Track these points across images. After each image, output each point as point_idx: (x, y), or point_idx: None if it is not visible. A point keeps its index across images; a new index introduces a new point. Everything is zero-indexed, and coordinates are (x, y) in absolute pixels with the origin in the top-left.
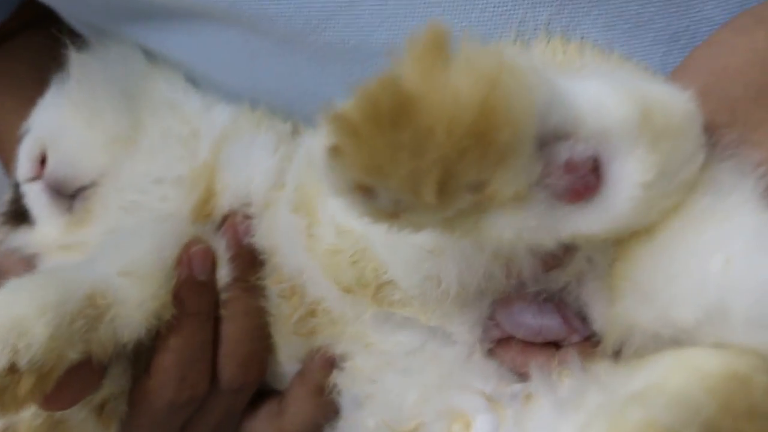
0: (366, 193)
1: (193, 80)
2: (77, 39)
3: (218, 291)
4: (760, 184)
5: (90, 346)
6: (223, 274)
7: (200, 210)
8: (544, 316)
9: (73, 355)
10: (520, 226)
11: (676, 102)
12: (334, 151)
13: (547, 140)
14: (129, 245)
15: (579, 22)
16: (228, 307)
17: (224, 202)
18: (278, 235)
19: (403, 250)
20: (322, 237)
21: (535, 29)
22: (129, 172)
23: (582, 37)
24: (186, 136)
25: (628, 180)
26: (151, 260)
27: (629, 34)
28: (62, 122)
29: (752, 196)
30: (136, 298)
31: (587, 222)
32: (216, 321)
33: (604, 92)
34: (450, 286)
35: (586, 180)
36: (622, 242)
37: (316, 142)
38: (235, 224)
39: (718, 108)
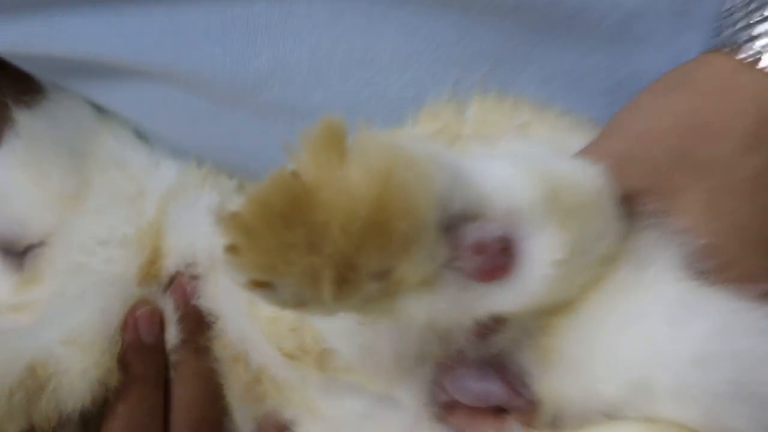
0: (266, 288)
1: (144, 135)
2: (24, 96)
3: (167, 354)
4: (681, 253)
5: (32, 418)
6: (172, 335)
7: (147, 271)
8: (487, 381)
9: (13, 428)
10: (433, 308)
11: (585, 178)
12: (230, 250)
13: (454, 223)
14: (72, 311)
15: (515, 78)
16: (178, 370)
17: (171, 263)
18: (221, 300)
19: (336, 322)
20: (261, 304)
21: (470, 88)
22: (76, 232)
23: (519, 94)
24: (132, 195)
25: (540, 259)
26: (95, 326)
27: (569, 88)
28: (10, 180)
29: (673, 265)
30: (78, 367)
31: (501, 301)
32: (166, 385)
33: (509, 172)
34: (386, 356)
35: (496, 260)
36: (548, 313)
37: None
38: (182, 285)
39: (641, 173)
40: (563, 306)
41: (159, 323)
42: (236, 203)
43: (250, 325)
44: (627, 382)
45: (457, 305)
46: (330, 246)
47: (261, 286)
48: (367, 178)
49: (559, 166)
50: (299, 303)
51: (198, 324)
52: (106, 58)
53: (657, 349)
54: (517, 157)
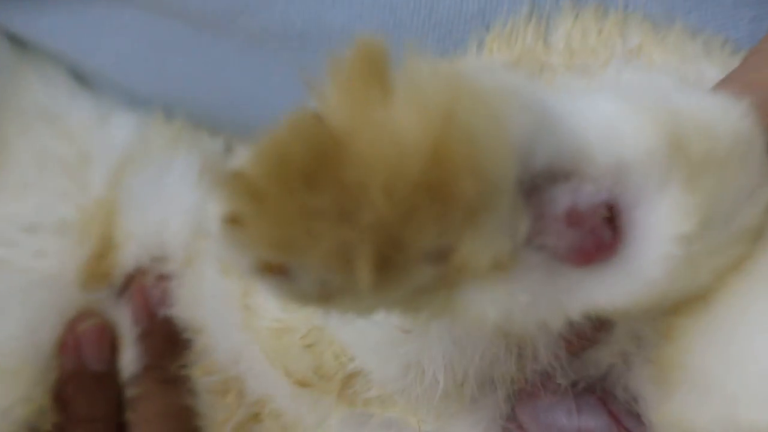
0: (280, 274)
1: (85, 78)
2: None
3: (121, 386)
4: None
5: None
6: (129, 360)
7: (93, 269)
8: (584, 415)
9: None
10: (509, 303)
11: (724, 120)
12: (233, 222)
13: (538, 184)
14: None
15: None
16: (137, 408)
17: (128, 257)
18: (205, 306)
19: (370, 331)
20: (262, 310)
21: (557, 1)
22: None
23: (627, 8)
24: (70, 162)
25: (659, 232)
26: (20, 348)
27: None
28: None
29: None
30: (1, 403)
31: (605, 292)
32: (120, 428)
33: (616, 113)
34: (440, 379)
35: (598, 235)
36: (670, 312)
37: (211, 207)
38: (144, 288)
39: None
40: (691, 302)
41: (110, 343)
42: (239, 159)
43: (246, 340)
44: None
45: (542, 299)
46: (369, 215)
47: (274, 270)
48: (420, 121)
49: (687, 103)
50: (325, 295)
51: (167, 343)
52: None
53: None
54: (627, 92)
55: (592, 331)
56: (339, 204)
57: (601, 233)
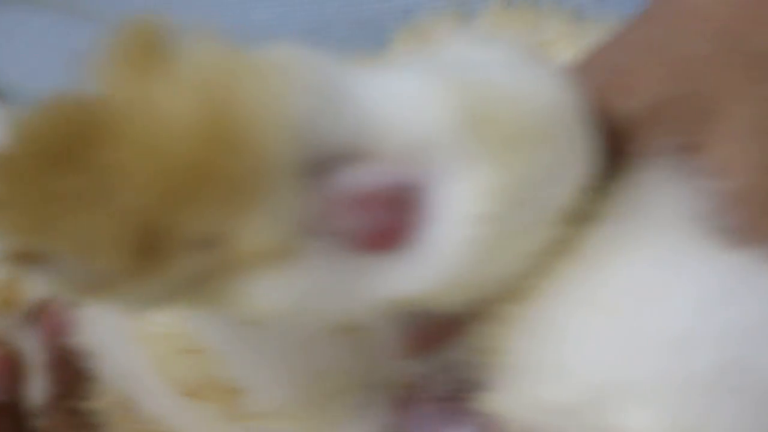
0: (39, 262)
1: None
2: None
3: (24, 419)
4: (698, 204)
5: None
6: (36, 391)
7: (2, 296)
8: (456, 424)
9: None
10: (296, 292)
11: (533, 96)
12: None
13: (327, 166)
14: None
15: None
16: None
17: (36, 282)
18: (97, 325)
19: (222, 330)
20: (150, 315)
21: None
22: None
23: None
24: None
25: (458, 213)
26: None
27: None
28: None
29: (677, 219)
30: None
31: (404, 278)
32: None
33: (417, 89)
34: (310, 381)
35: (391, 218)
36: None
37: None
38: (55, 315)
39: (670, 73)
40: (522, 288)
41: (14, 372)
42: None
43: (136, 352)
44: (581, 382)
45: (336, 287)
46: (125, 197)
47: (31, 259)
48: (190, 98)
49: (497, 78)
50: (95, 285)
51: (77, 374)
52: None
53: (624, 336)
54: (437, 68)
55: (445, 325)
56: (93, 187)
57: (394, 216)
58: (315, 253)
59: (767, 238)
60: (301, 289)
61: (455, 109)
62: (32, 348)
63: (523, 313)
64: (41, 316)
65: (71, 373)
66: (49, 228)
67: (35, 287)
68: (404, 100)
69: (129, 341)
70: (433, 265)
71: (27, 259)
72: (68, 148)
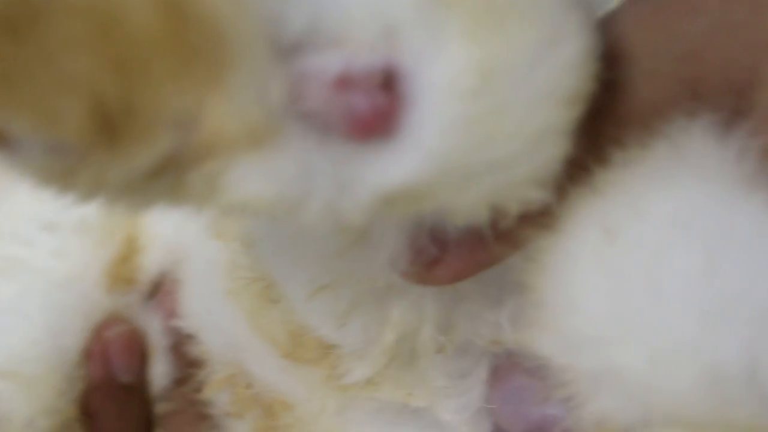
0: (3, 144)
1: None
2: None
3: (151, 400)
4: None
5: None
6: (160, 373)
7: (117, 272)
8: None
9: None
10: (276, 178)
11: None
12: None
13: (301, 46)
14: (7, 329)
15: None
16: (168, 425)
17: (152, 261)
18: (196, 299)
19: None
20: (240, 262)
21: None
22: (4, 213)
23: None
24: None
25: (439, 92)
26: (44, 354)
27: None
28: None
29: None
30: (21, 414)
31: (389, 167)
32: None
33: None
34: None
35: (372, 101)
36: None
37: None
38: (172, 296)
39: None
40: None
41: (140, 353)
42: None
43: (232, 311)
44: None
45: (316, 175)
46: (78, 67)
47: None
48: None
49: None
50: (63, 170)
51: (192, 360)
52: None
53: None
54: None
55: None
56: (47, 54)
57: (375, 99)
58: (294, 138)
59: None
60: (282, 175)
61: None
62: (155, 329)
63: (545, 244)
64: (159, 296)
65: (187, 359)
66: (6, 100)
67: (151, 261)
68: None
69: (224, 300)
70: (419, 150)
71: None
72: (15, 18)
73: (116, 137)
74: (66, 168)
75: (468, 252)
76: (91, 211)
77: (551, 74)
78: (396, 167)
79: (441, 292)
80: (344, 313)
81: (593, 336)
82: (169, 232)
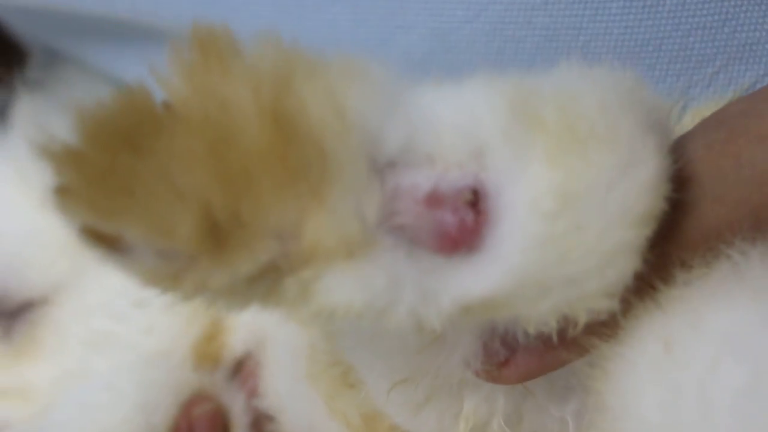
0: (115, 247)
1: None
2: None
3: None
4: None
5: None
6: None
7: (204, 350)
8: None
9: None
10: (366, 288)
11: (588, 94)
12: (60, 194)
13: (395, 165)
14: (101, 405)
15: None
16: None
17: (237, 340)
18: (277, 381)
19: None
20: (319, 347)
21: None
22: (98, 287)
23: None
24: None
25: (521, 212)
26: (134, 429)
27: None
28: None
29: None
30: None
31: (472, 279)
32: None
33: (475, 95)
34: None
35: (460, 218)
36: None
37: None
38: (256, 375)
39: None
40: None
41: (222, 429)
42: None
43: (309, 394)
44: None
45: (404, 286)
46: (194, 180)
47: (107, 242)
48: (253, 91)
49: (550, 81)
50: (171, 273)
51: None
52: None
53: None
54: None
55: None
56: (163, 168)
57: (462, 216)
58: (385, 250)
59: None
60: (372, 285)
61: (510, 114)
62: (238, 407)
63: (609, 352)
64: (243, 375)
65: None
66: (123, 210)
67: (235, 341)
68: (464, 107)
69: (303, 382)
70: (500, 264)
71: (102, 241)
72: (135, 134)
73: (222, 246)
74: (172, 272)
75: (536, 356)
76: None
77: (627, 196)
78: (478, 279)
79: (512, 388)
80: (420, 404)
81: None
82: (254, 314)
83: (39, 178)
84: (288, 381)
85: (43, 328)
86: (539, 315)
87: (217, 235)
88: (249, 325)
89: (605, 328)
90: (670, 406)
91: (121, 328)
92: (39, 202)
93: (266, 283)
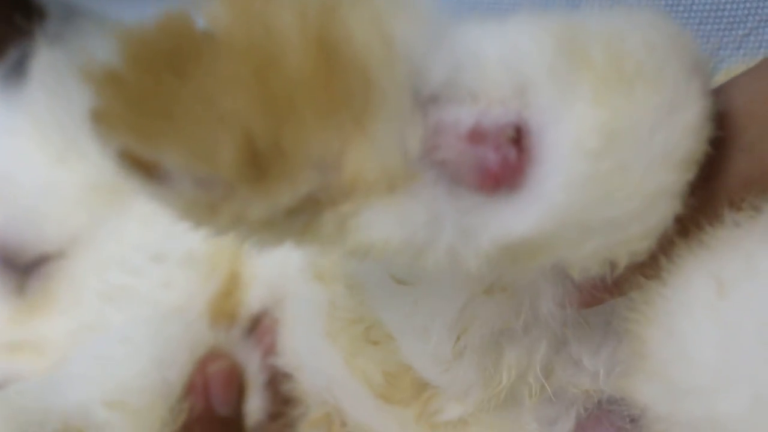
0: (152, 174)
1: None
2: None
3: None
4: None
5: None
6: (255, 407)
7: (220, 306)
8: None
9: None
10: (406, 223)
11: (633, 33)
12: (99, 117)
13: (439, 99)
14: (117, 359)
15: None
16: None
17: (254, 298)
18: (294, 337)
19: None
20: (340, 304)
21: None
22: (115, 241)
23: None
24: None
25: (565, 150)
26: (150, 383)
27: None
28: (16, 153)
29: None
30: None
31: (514, 217)
32: None
33: (520, 32)
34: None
35: (502, 155)
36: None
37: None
38: (272, 333)
39: None
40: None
41: (238, 387)
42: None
43: (330, 351)
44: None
45: (444, 223)
46: (236, 104)
47: (144, 168)
48: (298, 18)
49: (596, 19)
50: (208, 204)
51: (286, 396)
52: None
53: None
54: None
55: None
56: (205, 92)
57: (505, 153)
58: (426, 186)
59: None
60: (412, 221)
61: (556, 51)
62: (254, 365)
63: (654, 294)
64: (259, 332)
65: (282, 396)
66: (163, 134)
67: (252, 298)
68: (509, 43)
69: (322, 340)
70: (542, 204)
71: (140, 168)
72: (178, 58)
73: (263, 175)
74: (210, 202)
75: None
76: (197, 244)
77: (671, 138)
78: (519, 219)
79: (553, 337)
80: (456, 356)
81: (700, 384)
82: (271, 271)
83: (56, 130)
84: (306, 338)
85: (58, 282)
86: (581, 258)
87: (258, 164)
88: (267, 282)
89: (648, 269)
90: (728, 348)
91: (138, 283)
92: (56, 155)
93: (304, 217)
